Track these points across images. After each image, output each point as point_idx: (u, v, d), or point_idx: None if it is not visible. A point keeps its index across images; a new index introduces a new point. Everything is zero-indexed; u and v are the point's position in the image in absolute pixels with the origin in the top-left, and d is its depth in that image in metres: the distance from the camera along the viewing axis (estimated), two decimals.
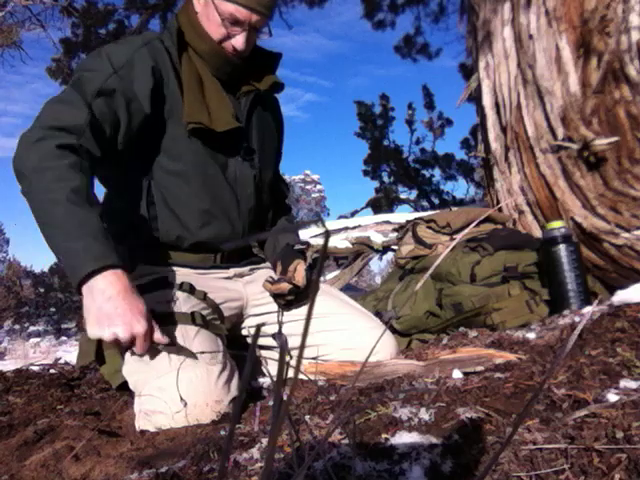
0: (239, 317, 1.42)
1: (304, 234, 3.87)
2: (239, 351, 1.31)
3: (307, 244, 1.58)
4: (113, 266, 1.03)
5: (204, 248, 1.36)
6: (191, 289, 1.25)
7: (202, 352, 1.10)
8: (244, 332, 1.46)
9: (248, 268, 1.47)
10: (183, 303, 1.21)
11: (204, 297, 1.25)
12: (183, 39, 1.34)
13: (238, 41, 1.32)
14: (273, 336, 1.36)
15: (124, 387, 1.20)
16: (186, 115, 1.26)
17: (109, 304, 1.01)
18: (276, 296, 1.36)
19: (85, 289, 1.03)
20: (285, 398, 0.28)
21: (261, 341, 1.41)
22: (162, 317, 1.15)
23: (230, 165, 1.37)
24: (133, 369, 1.14)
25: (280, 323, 1.34)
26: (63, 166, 1.06)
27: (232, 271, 1.42)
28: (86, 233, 1.03)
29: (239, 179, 1.38)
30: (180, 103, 1.28)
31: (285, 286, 1.33)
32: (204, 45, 1.34)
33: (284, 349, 0.25)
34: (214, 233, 1.35)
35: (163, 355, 1.09)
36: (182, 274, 1.31)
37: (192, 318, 1.17)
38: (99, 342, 1.30)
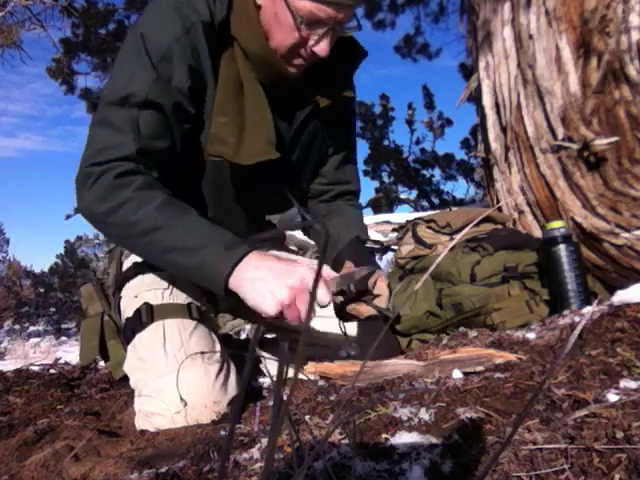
0: None
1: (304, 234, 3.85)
2: (239, 351, 1.31)
3: (380, 242, 1.41)
4: (243, 255, 0.94)
5: None
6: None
7: (202, 352, 1.10)
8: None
9: None
10: (178, 293, 1.18)
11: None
12: (228, 31, 1.07)
13: (320, 47, 1.04)
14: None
15: (126, 379, 1.19)
16: (208, 143, 1.07)
17: (259, 283, 0.93)
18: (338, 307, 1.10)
19: (234, 287, 0.95)
20: (285, 398, 0.28)
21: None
22: (157, 308, 1.13)
23: (257, 185, 1.22)
24: (133, 366, 1.13)
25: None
26: (133, 193, 0.95)
27: None
28: (201, 243, 0.95)
29: (264, 196, 1.27)
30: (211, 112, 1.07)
31: (366, 310, 1.09)
32: (254, 46, 1.08)
33: (284, 349, 0.25)
34: None
35: (161, 355, 1.08)
36: None
37: (189, 311, 1.15)
38: (102, 336, 1.27)
